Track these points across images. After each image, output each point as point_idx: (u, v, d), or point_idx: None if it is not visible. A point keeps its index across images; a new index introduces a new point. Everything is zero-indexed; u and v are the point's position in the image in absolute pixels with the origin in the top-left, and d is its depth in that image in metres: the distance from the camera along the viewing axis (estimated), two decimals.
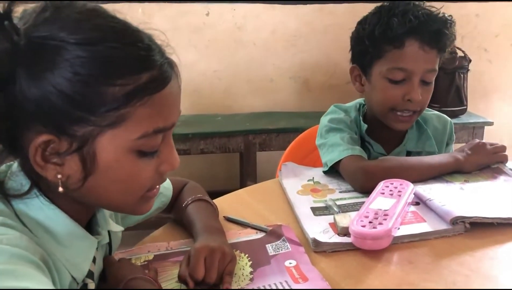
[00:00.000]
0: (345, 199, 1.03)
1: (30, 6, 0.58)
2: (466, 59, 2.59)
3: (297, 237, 0.87)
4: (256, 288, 0.72)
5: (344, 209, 0.97)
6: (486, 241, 0.85)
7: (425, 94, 1.13)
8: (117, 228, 0.77)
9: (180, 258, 0.79)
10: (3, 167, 0.63)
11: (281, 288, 0.72)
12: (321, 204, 1.00)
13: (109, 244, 0.76)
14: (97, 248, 0.69)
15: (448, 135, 1.29)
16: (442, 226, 0.88)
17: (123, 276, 0.70)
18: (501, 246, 0.84)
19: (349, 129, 1.20)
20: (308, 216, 0.95)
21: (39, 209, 0.61)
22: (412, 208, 0.96)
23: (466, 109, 2.65)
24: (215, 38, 2.63)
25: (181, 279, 0.74)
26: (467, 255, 0.81)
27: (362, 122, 1.23)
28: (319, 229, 0.88)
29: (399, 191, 0.95)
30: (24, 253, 0.53)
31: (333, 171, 1.16)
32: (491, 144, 1.16)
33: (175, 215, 0.95)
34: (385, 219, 0.84)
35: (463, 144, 1.20)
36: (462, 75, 2.59)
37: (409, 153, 1.24)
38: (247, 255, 0.82)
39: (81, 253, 0.65)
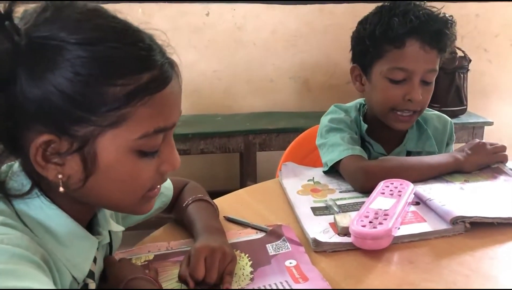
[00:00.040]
0: (345, 199, 1.03)
1: (31, 6, 0.58)
2: (466, 59, 2.59)
3: (297, 237, 0.87)
4: (257, 288, 0.72)
5: (344, 209, 0.97)
6: (486, 241, 0.85)
7: (425, 94, 1.13)
8: (118, 228, 0.77)
9: (181, 258, 0.79)
10: (4, 167, 0.63)
11: (282, 288, 0.72)
12: (321, 204, 1.00)
13: (110, 244, 0.76)
14: (97, 248, 0.69)
15: (448, 135, 1.29)
16: (442, 226, 0.88)
17: (123, 276, 0.70)
18: (501, 246, 0.84)
19: (350, 129, 1.20)
20: (308, 216, 0.95)
21: (40, 209, 0.61)
22: (412, 208, 0.96)
23: (466, 109, 2.65)
24: (215, 38, 2.63)
25: (181, 279, 0.74)
26: (467, 255, 0.81)
27: (362, 122, 1.23)
28: (319, 229, 0.88)
29: (399, 191, 0.95)
30: (25, 253, 0.53)
31: (333, 171, 1.16)
32: (491, 144, 1.16)
33: (175, 215, 0.95)
34: (385, 219, 0.84)
35: (463, 144, 1.20)
36: (462, 75, 2.60)
37: (409, 153, 1.24)
38: (247, 255, 0.82)
39: (81, 253, 0.65)
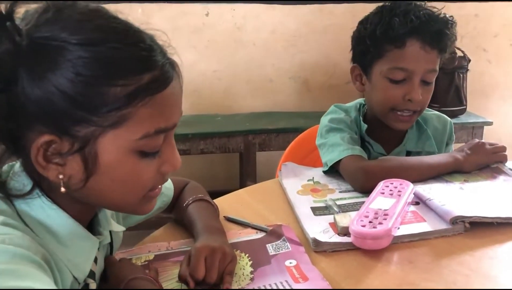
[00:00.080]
0: (345, 199, 1.03)
1: (32, 6, 0.58)
2: (465, 59, 2.59)
3: (297, 237, 0.87)
4: (257, 288, 0.73)
5: (344, 209, 0.98)
6: (486, 240, 0.85)
7: (425, 94, 1.13)
8: (119, 228, 0.77)
9: (181, 258, 0.79)
10: (6, 167, 0.63)
11: (282, 287, 0.72)
12: (321, 204, 1.00)
13: (111, 244, 0.76)
14: (98, 248, 0.69)
15: (448, 135, 1.29)
16: (442, 225, 0.88)
17: (124, 276, 0.70)
18: (501, 246, 0.84)
19: (349, 129, 1.20)
20: (308, 216, 0.95)
21: (41, 209, 0.61)
22: (412, 207, 0.96)
23: (465, 109, 2.65)
24: (214, 39, 2.64)
25: (181, 279, 0.74)
26: (467, 254, 0.81)
27: (362, 122, 1.23)
28: (319, 229, 0.88)
29: (399, 191, 0.95)
30: (26, 253, 0.53)
31: (333, 171, 1.16)
32: (491, 144, 1.16)
33: (175, 215, 0.96)
34: (385, 219, 0.84)
35: (463, 144, 1.20)
36: (461, 75, 2.60)
37: (409, 153, 1.24)
38: (247, 255, 0.82)
39: (82, 253, 0.65)
